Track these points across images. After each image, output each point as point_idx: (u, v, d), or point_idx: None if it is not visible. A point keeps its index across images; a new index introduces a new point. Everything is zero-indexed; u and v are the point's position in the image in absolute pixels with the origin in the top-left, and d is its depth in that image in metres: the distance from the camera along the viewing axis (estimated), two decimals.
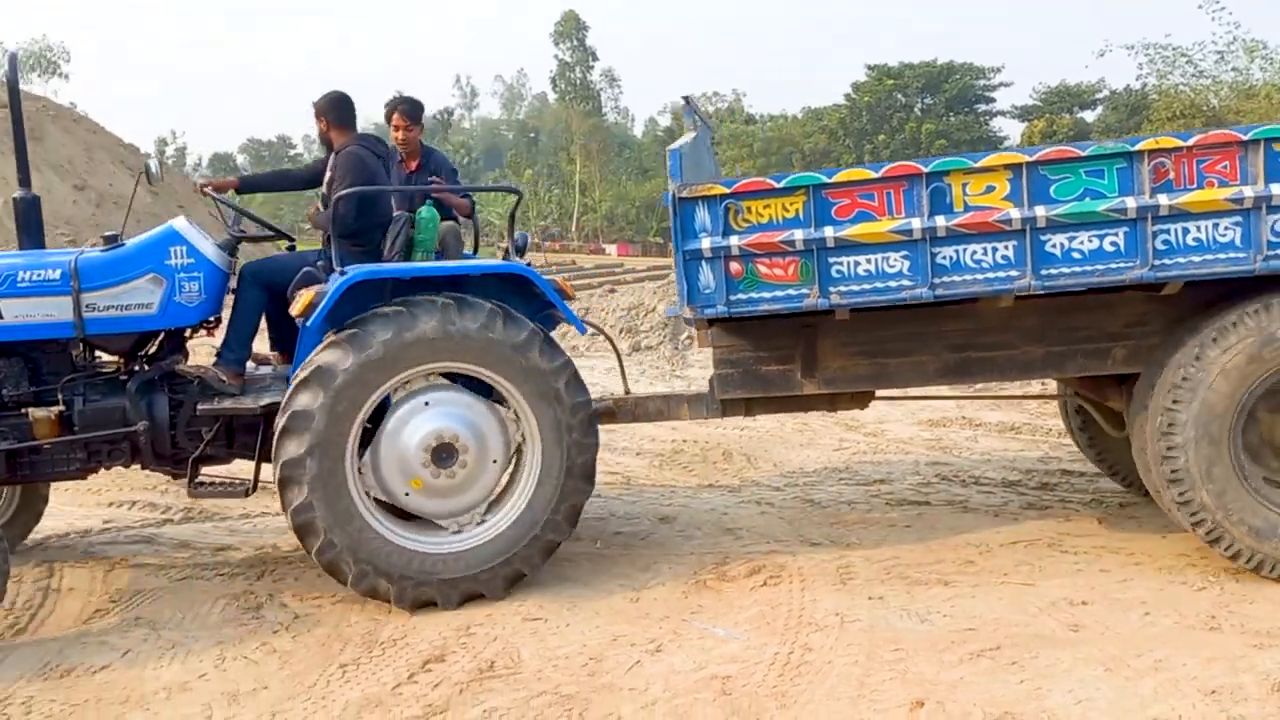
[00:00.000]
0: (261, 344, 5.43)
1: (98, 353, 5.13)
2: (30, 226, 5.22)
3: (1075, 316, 4.80)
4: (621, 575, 5.07)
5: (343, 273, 4.73)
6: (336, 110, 5.35)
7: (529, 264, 5.10)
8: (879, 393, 5.31)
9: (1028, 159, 4.37)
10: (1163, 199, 4.29)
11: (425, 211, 5.28)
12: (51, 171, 24.52)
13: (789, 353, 4.98)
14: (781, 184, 4.51)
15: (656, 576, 5.04)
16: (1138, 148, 4.30)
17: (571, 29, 71.32)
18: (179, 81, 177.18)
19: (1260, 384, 4.51)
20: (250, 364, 5.32)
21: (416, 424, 4.73)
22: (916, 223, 4.40)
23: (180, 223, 5.10)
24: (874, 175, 4.46)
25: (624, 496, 6.53)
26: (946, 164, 4.42)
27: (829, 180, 4.47)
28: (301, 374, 4.62)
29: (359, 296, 4.70)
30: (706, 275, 4.58)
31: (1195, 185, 4.29)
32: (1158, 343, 4.74)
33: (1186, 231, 4.32)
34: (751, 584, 4.85)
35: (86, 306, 4.83)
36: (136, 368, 5.13)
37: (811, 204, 4.46)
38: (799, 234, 4.48)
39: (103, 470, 5.23)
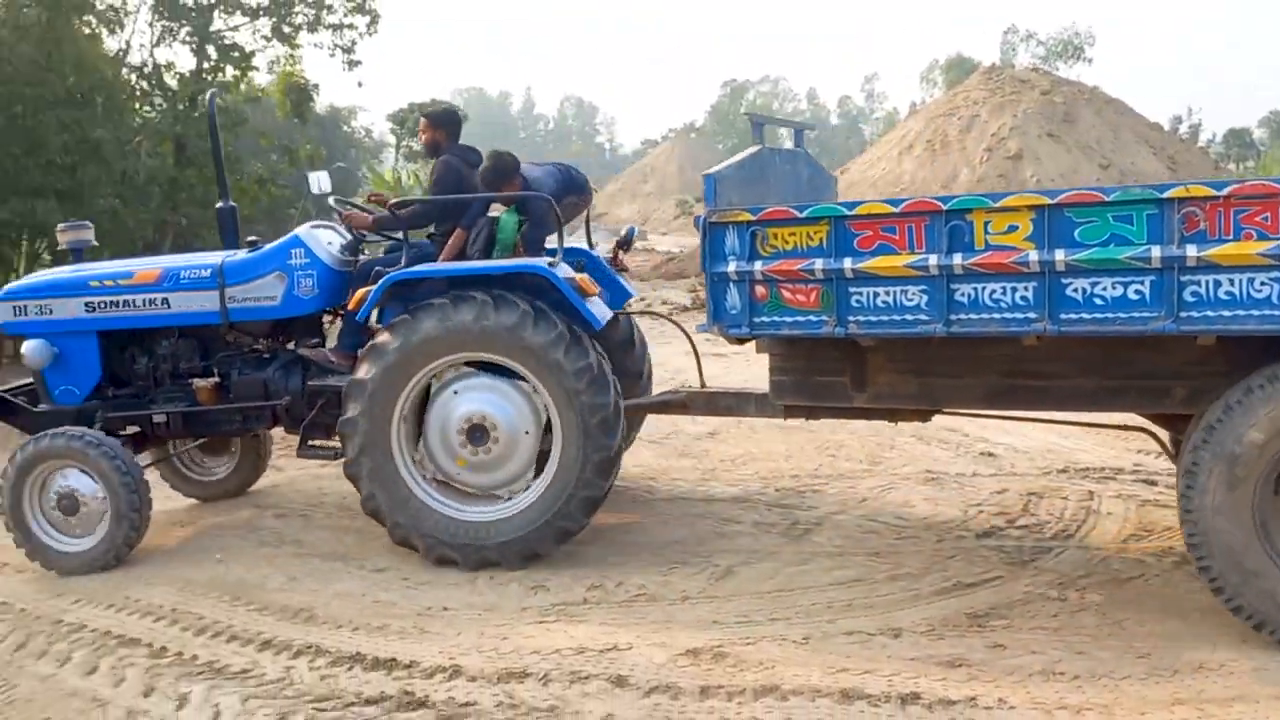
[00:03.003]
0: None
1: (246, 335, 6.19)
2: (228, 231, 6.50)
3: (1132, 351, 4.60)
4: None
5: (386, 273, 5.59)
6: (452, 125, 6.27)
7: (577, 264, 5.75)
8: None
9: (1050, 201, 4.27)
10: (1191, 249, 4.08)
11: (506, 216, 5.90)
12: (1080, 152, 24.33)
13: (839, 365, 5.09)
14: (805, 214, 4.68)
15: None
16: (1167, 195, 4.10)
17: None
18: (1194, 52, 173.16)
19: None
20: None
21: (450, 409, 5.47)
22: (933, 259, 4.44)
23: (303, 230, 6.09)
24: (894, 210, 4.53)
25: None
26: (967, 201, 4.43)
27: (850, 212, 4.60)
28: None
29: (420, 291, 5.56)
30: (733, 296, 4.85)
31: (1231, 236, 4.04)
32: (1222, 384, 4.41)
33: (1218, 284, 4.09)
34: None
35: (229, 299, 5.92)
36: (277, 348, 6.21)
37: (834, 234, 4.60)
38: (819, 263, 4.65)
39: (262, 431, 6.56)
